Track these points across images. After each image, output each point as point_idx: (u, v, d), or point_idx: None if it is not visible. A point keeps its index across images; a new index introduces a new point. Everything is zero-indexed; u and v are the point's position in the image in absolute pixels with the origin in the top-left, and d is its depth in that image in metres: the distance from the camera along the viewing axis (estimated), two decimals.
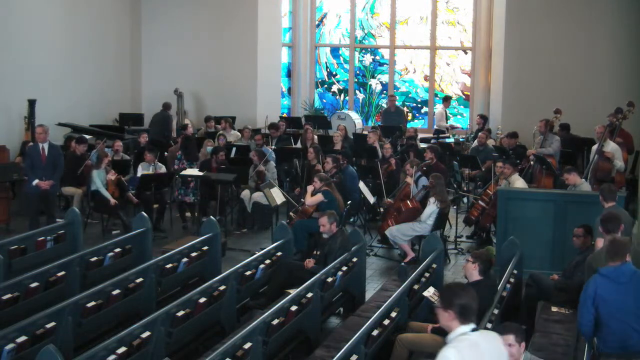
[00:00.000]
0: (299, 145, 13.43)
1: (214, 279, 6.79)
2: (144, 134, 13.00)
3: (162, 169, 11.40)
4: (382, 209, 10.44)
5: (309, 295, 6.43)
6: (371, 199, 10.45)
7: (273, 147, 13.02)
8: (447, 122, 15.45)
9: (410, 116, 16.96)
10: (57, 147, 10.26)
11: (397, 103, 15.96)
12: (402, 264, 8.20)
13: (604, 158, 10.51)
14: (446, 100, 15.88)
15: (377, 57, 17.74)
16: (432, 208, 9.28)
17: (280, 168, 12.54)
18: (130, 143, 13.12)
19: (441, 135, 14.97)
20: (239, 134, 13.89)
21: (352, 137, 14.23)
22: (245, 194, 11.09)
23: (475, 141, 13.07)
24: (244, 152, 12.47)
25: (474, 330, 3.75)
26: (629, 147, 11.77)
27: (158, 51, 16.26)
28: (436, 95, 17.19)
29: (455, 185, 11.42)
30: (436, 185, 9.38)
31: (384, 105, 17.32)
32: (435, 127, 15.79)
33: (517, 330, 4.78)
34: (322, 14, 17.97)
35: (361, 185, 10.41)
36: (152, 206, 10.61)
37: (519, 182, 9.87)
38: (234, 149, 12.53)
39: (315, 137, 13.64)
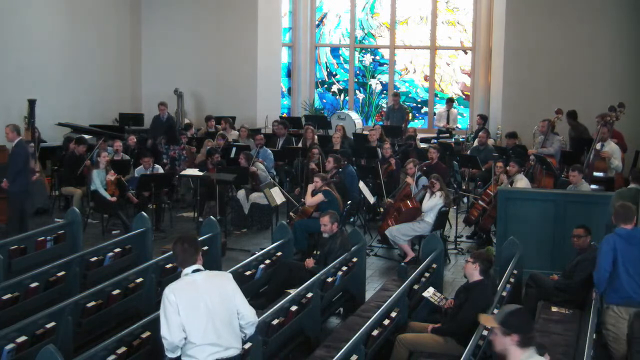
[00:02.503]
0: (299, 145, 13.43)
1: None
2: (132, 136, 13.00)
3: (159, 171, 11.38)
4: (382, 209, 10.43)
5: (309, 295, 6.42)
6: (371, 199, 10.45)
7: (279, 147, 13.06)
8: (447, 123, 15.43)
9: (410, 116, 16.94)
10: (17, 146, 9.61)
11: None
12: (402, 264, 8.20)
13: (600, 158, 10.55)
14: (448, 102, 15.87)
15: (377, 57, 17.75)
16: (436, 200, 9.29)
17: (280, 168, 12.56)
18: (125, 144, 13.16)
19: (442, 135, 14.98)
20: (238, 134, 13.88)
21: (352, 137, 14.24)
22: (241, 193, 11.09)
23: (476, 141, 13.09)
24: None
25: (195, 271, 4.63)
26: (622, 147, 11.79)
27: (158, 51, 16.26)
28: (436, 95, 17.19)
29: (455, 185, 11.42)
30: (442, 182, 9.44)
31: (384, 105, 17.34)
32: (435, 126, 15.82)
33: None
34: (322, 14, 17.98)
35: (361, 185, 10.41)
36: (152, 206, 10.61)
37: (521, 182, 9.87)
38: (234, 149, 12.53)
39: (315, 137, 13.65)
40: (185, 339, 4.49)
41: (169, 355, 4.58)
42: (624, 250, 6.07)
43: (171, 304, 4.49)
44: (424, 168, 10.68)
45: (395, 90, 16.74)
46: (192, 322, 4.49)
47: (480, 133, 13.11)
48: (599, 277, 6.18)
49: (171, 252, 7.53)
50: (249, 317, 4.76)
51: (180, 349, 4.53)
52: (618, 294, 6.14)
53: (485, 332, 5.66)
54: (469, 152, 13.13)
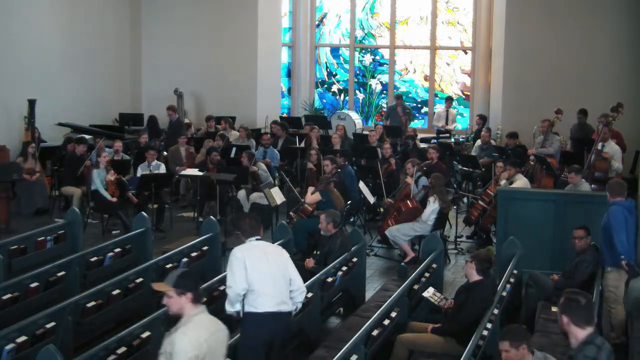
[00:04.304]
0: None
1: (214, 279, 6.79)
2: (144, 134, 12.98)
3: (161, 167, 11.41)
4: (382, 209, 10.42)
5: (309, 295, 6.42)
6: (371, 199, 10.45)
7: (278, 148, 13.07)
8: (446, 123, 15.41)
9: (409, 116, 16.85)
10: None
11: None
12: (402, 264, 8.20)
13: (601, 158, 10.53)
14: (447, 100, 15.87)
15: (377, 57, 17.74)
16: (433, 207, 9.27)
17: (281, 168, 12.56)
18: (130, 143, 13.12)
19: (441, 135, 14.98)
20: (238, 134, 13.87)
21: (352, 137, 14.24)
22: (241, 193, 11.09)
23: (479, 140, 13.10)
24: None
25: (257, 239, 5.46)
26: (622, 147, 11.78)
27: (158, 51, 16.25)
28: (436, 95, 17.19)
29: (455, 185, 11.42)
30: (436, 185, 9.37)
31: (384, 106, 17.34)
32: (434, 127, 15.81)
33: (513, 335, 4.49)
34: (322, 14, 17.97)
35: (361, 185, 10.41)
36: (152, 206, 10.61)
37: (520, 182, 9.85)
38: (234, 149, 12.54)
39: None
40: (247, 291, 5.23)
41: (228, 308, 5.34)
42: (627, 218, 6.77)
43: (237, 259, 5.28)
44: (424, 168, 10.67)
45: (399, 93, 16.65)
46: (257, 275, 5.25)
47: (482, 132, 13.12)
48: (623, 245, 6.66)
49: (171, 251, 7.60)
50: (299, 283, 5.50)
51: (239, 303, 5.28)
52: (617, 258, 6.72)
53: (485, 332, 5.66)
54: (473, 151, 13.14)
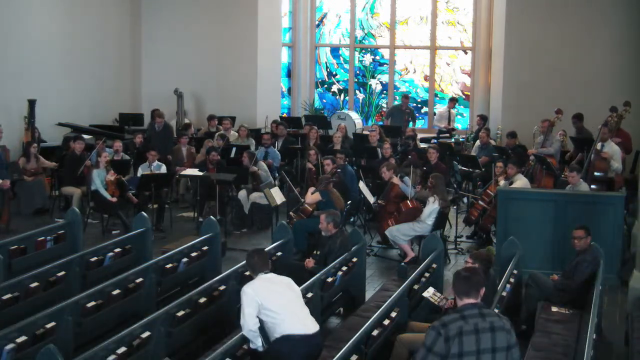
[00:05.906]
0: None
1: (214, 279, 6.79)
2: (139, 134, 12.95)
3: (162, 168, 11.41)
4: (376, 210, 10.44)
5: (309, 295, 6.42)
6: (371, 199, 10.44)
7: (278, 148, 13.05)
8: (448, 123, 15.41)
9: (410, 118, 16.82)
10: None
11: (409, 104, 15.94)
12: (402, 264, 8.19)
13: (601, 158, 10.52)
14: (451, 101, 15.87)
15: (377, 57, 17.75)
16: (432, 206, 9.27)
17: (281, 168, 12.57)
18: (130, 143, 13.11)
19: (442, 135, 14.98)
20: (237, 134, 13.86)
21: (352, 137, 14.24)
22: (242, 193, 11.09)
23: (478, 141, 13.11)
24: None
25: (266, 273, 5.63)
26: (627, 147, 11.75)
27: (158, 51, 16.25)
28: (436, 95, 17.19)
29: (455, 185, 11.42)
30: (437, 184, 9.37)
31: (384, 106, 17.34)
32: (435, 126, 15.83)
33: None
34: (322, 14, 17.98)
35: (361, 185, 10.41)
36: (151, 206, 10.61)
37: (520, 182, 9.85)
38: (234, 149, 12.53)
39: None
40: (270, 323, 5.40)
41: (252, 346, 5.42)
42: None
43: (247, 295, 5.44)
44: (425, 168, 10.65)
45: (407, 93, 16.64)
46: (274, 303, 5.42)
47: (481, 133, 13.12)
48: None
49: (171, 251, 7.61)
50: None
51: (259, 338, 5.39)
52: None
53: None
54: (472, 151, 13.14)
